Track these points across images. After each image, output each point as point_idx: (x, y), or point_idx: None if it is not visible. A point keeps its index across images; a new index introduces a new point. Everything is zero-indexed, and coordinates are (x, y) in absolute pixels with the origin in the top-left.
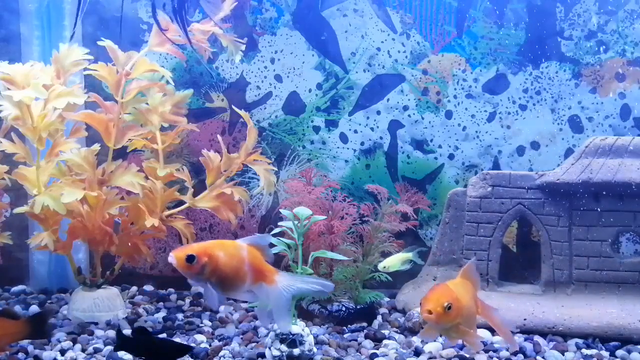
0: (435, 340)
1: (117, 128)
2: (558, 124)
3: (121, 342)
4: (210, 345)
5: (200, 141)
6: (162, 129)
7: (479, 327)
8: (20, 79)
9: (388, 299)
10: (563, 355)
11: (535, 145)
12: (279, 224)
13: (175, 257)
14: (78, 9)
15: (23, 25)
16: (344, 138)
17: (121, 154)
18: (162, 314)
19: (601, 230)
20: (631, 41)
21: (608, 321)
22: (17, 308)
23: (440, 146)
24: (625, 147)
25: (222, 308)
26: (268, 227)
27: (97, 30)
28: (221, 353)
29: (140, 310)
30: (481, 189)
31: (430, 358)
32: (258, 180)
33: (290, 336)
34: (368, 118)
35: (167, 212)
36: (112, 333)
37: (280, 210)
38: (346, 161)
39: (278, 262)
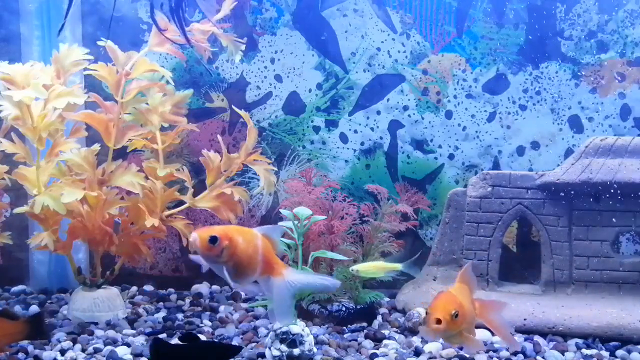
0: (435, 340)
1: (117, 128)
2: (558, 124)
3: (162, 352)
4: None
5: (200, 141)
6: (162, 129)
7: (478, 327)
8: (20, 79)
9: (388, 299)
10: (563, 355)
11: (535, 145)
12: (279, 224)
13: (198, 236)
14: (69, 6)
15: (23, 25)
16: (344, 138)
17: (121, 154)
18: (162, 314)
19: (601, 230)
20: (631, 41)
21: (608, 321)
22: (17, 308)
23: (440, 146)
24: (625, 147)
25: (222, 308)
26: None
27: (97, 30)
28: None
29: (140, 310)
30: (481, 189)
31: (430, 358)
32: (258, 180)
33: (290, 336)
34: (368, 118)
35: (167, 212)
36: (112, 333)
37: (280, 210)
38: (346, 161)
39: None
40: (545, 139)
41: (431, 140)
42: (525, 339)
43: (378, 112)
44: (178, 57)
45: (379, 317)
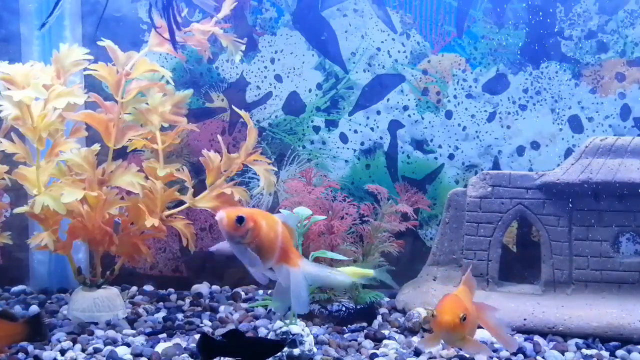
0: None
1: (117, 128)
2: (558, 124)
3: (210, 348)
4: None
5: (200, 141)
6: (162, 129)
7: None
8: (20, 79)
9: (388, 299)
10: (563, 355)
11: (535, 145)
12: None
13: (226, 216)
14: (55, 5)
15: (23, 25)
16: (344, 138)
17: (121, 154)
18: (162, 314)
19: (601, 230)
20: (631, 41)
21: (608, 321)
22: (17, 308)
23: (440, 146)
24: (625, 147)
25: (222, 308)
26: None
27: (97, 30)
28: None
29: (140, 310)
30: (481, 189)
31: (430, 358)
32: (258, 180)
33: (290, 336)
34: (368, 118)
35: (167, 212)
36: (112, 333)
37: (280, 210)
38: (346, 161)
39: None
40: (545, 139)
41: (431, 140)
42: (525, 339)
43: (378, 112)
44: (178, 57)
45: (379, 317)
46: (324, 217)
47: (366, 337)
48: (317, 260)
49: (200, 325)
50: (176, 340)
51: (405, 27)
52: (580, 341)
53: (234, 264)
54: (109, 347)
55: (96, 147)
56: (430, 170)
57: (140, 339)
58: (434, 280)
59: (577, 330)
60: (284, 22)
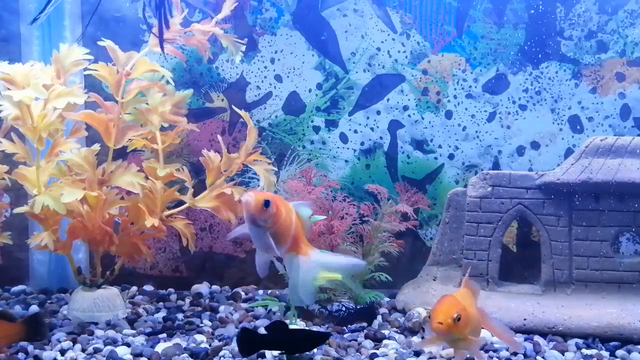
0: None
1: (117, 128)
2: (558, 124)
3: (251, 342)
4: (210, 345)
5: (200, 141)
6: (162, 129)
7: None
8: (20, 79)
9: (388, 299)
10: (563, 355)
11: (535, 145)
12: None
13: (255, 198)
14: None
15: (23, 25)
16: (344, 138)
17: (121, 154)
18: (162, 314)
19: (601, 230)
20: (631, 41)
21: (608, 321)
22: (17, 308)
23: (440, 146)
24: (625, 147)
25: (222, 308)
26: None
27: (97, 30)
28: (221, 353)
29: (140, 310)
30: (481, 189)
31: (430, 358)
32: (258, 180)
33: None
34: (368, 118)
35: (167, 212)
36: (112, 333)
37: None
38: (346, 161)
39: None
40: (545, 139)
41: (431, 140)
42: (525, 339)
43: (378, 112)
44: (178, 57)
45: (379, 317)
46: (324, 217)
47: (366, 337)
48: None
49: (200, 325)
50: (176, 340)
51: (405, 27)
52: (580, 341)
53: (234, 263)
54: (109, 347)
55: (96, 147)
56: (430, 170)
57: (140, 339)
58: (434, 280)
59: (577, 330)
60: (284, 22)
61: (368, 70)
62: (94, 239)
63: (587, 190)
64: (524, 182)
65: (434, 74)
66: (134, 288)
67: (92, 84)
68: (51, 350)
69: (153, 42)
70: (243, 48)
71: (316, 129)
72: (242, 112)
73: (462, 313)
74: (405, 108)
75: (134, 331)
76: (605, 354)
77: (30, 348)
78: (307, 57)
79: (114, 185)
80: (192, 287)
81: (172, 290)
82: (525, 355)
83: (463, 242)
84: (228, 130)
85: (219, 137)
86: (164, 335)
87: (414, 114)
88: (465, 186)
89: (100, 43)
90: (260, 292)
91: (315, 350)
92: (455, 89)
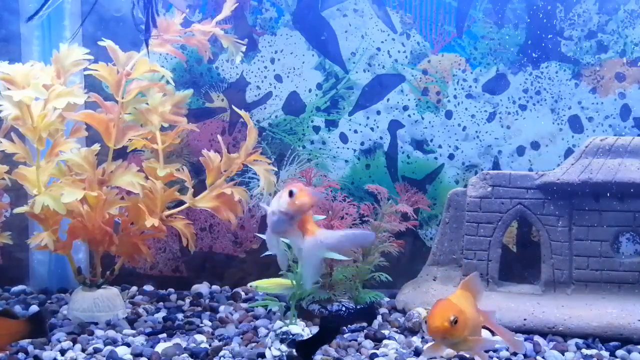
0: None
1: (117, 128)
2: (558, 124)
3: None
4: (210, 345)
5: (200, 141)
6: (162, 129)
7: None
8: (20, 79)
9: (388, 299)
10: (563, 355)
11: (535, 145)
12: None
13: (299, 190)
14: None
15: (23, 25)
16: (344, 138)
17: (121, 154)
18: (162, 314)
19: (601, 230)
20: (631, 41)
21: (608, 321)
22: (17, 308)
23: (440, 146)
24: (625, 147)
25: (222, 308)
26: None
27: (97, 30)
28: (221, 353)
29: (140, 310)
30: (481, 189)
31: (431, 358)
32: (258, 180)
33: (290, 336)
34: (368, 118)
35: (167, 212)
36: (112, 333)
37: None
38: (346, 161)
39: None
40: (545, 139)
41: (431, 140)
42: (525, 339)
43: (378, 112)
44: (178, 57)
45: (379, 317)
46: (324, 217)
47: (366, 337)
48: None
49: (200, 325)
50: (176, 340)
51: (405, 27)
52: (580, 341)
53: (234, 263)
54: (109, 347)
55: (96, 147)
56: (430, 170)
57: (140, 339)
58: (434, 280)
59: (577, 330)
60: (284, 22)
61: (368, 70)
62: (94, 239)
63: (587, 190)
64: (524, 182)
65: (434, 74)
66: (134, 288)
67: (92, 84)
68: (51, 350)
69: (153, 42)
70: (243, 48)
71: (316, 129)
72: (242, 112)
73: (459, 315)
74: (405, 108)
75: (134, 331)
76: (605, 354)
77: (30, 348)
78: (307, 57)
79: (114, 185)
80: (192, 287)
81: (172, 290)
82: (525, 355)
83: (463, 242)
84: (228, 130)
85: (219, 137)
86: (164, 335)
87: (414, 114)
88: (465, 186)
89: (100, 43)
90: (260, 292)
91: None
92: (455, 89)
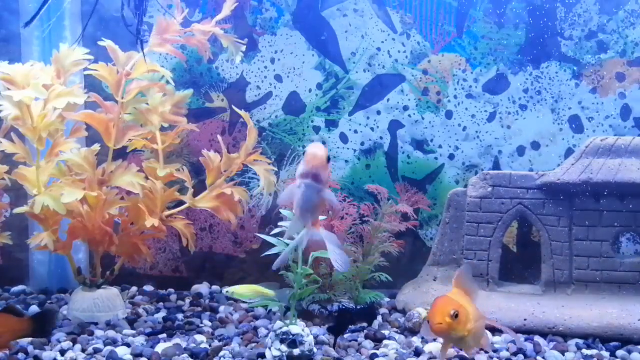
0: (435, 340)
1: (117, 128)
2: (558, 124)
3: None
4: (210, 345)
5: (200, 141)
6: (162, 129)
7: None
8: (20, 79)
9: (388, 299)
10: (563, 355)
11: (535, 145)
12: (279, 224)
13: (324, 150)
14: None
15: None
16: (344, 138)
17: (121, 154)
18: (162, 314)
19: (601, 230)
20: (631, 41)
21: (608, 321)
22: None
23: (440, 146)
24: (625, 147)
25: (222, 308)
26: (268, 227)
27: (97, 30)
28: (221, 353)
29: (140, 310)
30: (481, 189)
31: (431, 358)
32: (258, 180)
33: (290, 336)
34: (368, 118)
35: (167, 212)
36: (112, 333)
37: (280, 210)
38: (346, 161)
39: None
40: (546, 139)
41: (431, 140)
42: (526, 339)
43: (378, 112)
44: (178, 57)
45: (379, 317)
46: (324, 217)
47: (366, 337)
48: (317, 260)
49: (200, 325)
50: (176, 340)
51: (405, 27)
52: (580, 341)
53: (234, 263)
54: (109, 347)
55: (96, 147)
56: (430, 170)
57: (140, 339)
58: (434, 280)
59: (577, 330)
60: (284, 22)
61: (368, 70)
62: (94, 239)
63: (587, 190)
64: (524, 182)
65: (434, 73)
66: (134, 288)
67: (92, 84)
68: (51, 350)
69: (153, 42)
70: (243, 48)
71: (316, 129)
72: (242, 112)
73: (459, 310)
74: (405, 108)
75: (133, 331)
76: (606, 354)
77: (30, 348)
78: (307, 57)
79: (114, 185)
80: (192, 287)
81: (172, 290)
82: (525, 355)
83: (463, 242)
84: (228, 130)
85: (219, 137)
86: (164, 335)
87: (414, 114)
88: (466, 186)
89: (100, 43)
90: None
91: (315, 350)
92: (455, 89)
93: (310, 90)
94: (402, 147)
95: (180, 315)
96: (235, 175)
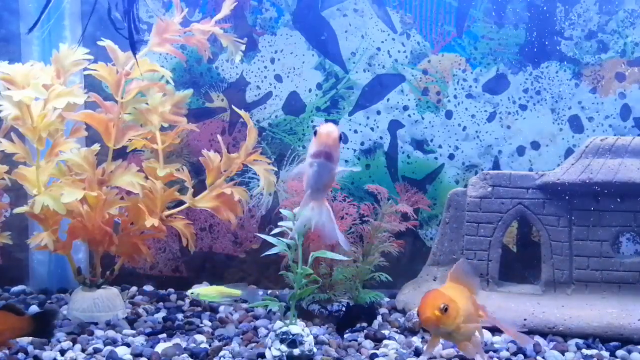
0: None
1: (117, 128)
2: (558, 124)
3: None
4: (210, 345)
5: (200, 141)
6: (162, 129)
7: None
8: (20, 79)
9: (388, 299)
10: (563, 355)
11: (535, 145)
12: (279, 224)
13: (336, 130)
14: (46, 5)
15: (23, 25)
16: (344, 138)
17: (121, 154)
18: (162, 314)
19: (601, 230)
20: (631, 41)
21: (608, 321)
22: None
23: (440, 146)
24: (625, 147)
25: (222, 308)
26: (268, 227)
27: (97, 30)
28: (221, 353)
29: (140, 310)
30: (481, 189)
31: (431, 358)
32: (258, 180)
33: (290, 336)
34: (368, 118)
35: (167, 212)
36: (112, 333)
37: (280, 210)
38: (346, 161)
39: (278, 262)
40: (546, 139)
41: (431, 140)
42: None
43: (378, 112)
44: (178, 57)
45: (379, 317)
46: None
47: (366, 337)
48: (317, 260)
49: (200, 325)
50: (176, 340)
51: (405, 27)
52: (580, 341)
53: (234, 263)
54: (109, 347)
55: (96, 147)
56: (430, 170)
57: (140, 339)
58: (434, 280)
59: (577, 331)
60: (284, 22)
61: (368, 70)
62: (94, 239)
63: (587, 190)
64: (524, 182)
65: (434, 73)
66: (134, 288)
67: (92, 84)
68: (51, 350)
69: (153, 42)
70: (243, 47)
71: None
72: (242, 112)
73: (449, 303)
74: (405, 108)
75: (133, 331)
76: (606, 354)
77: (30, 348)
78: (307, 57)
79: (113, 185)
80: (192, 287)
81: (172, 290)
82: (525, 355)
83: (463, 242)
84: (228, 130)
85: (219, 137)
86: (164, 335)
87: (414, 114)
88: (466, 186)
89: (100, 43)
90: (260, 292)
91: (315, 350)
92: (455, 89)
93: (310, 90)
94: (402, 147)
95: (180, 315)
96: (235, 175)
